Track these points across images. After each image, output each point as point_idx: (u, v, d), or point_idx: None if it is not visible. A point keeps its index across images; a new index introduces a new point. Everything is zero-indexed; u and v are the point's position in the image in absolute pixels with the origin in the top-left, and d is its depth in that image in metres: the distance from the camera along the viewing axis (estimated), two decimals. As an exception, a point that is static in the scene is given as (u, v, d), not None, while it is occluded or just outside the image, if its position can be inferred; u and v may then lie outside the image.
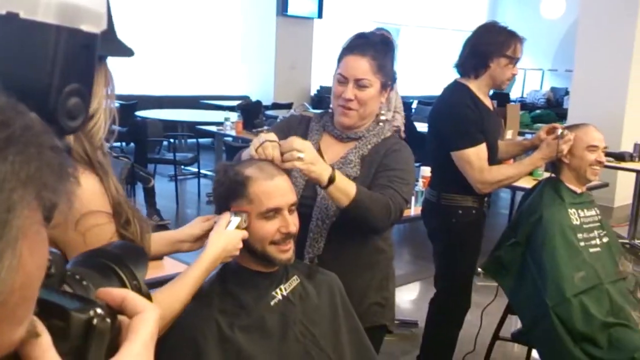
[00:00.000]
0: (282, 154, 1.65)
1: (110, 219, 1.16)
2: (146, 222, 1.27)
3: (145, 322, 0.65)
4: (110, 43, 1.18)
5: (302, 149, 1.66)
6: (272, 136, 1.70)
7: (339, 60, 1.98)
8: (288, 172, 1.68)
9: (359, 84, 1.91)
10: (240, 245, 1.53)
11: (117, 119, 1.22)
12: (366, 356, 1.72)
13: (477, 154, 2.66)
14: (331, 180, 1.72)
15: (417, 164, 2.55)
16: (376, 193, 1.85)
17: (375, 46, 1.94)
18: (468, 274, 2.96)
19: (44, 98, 0.79)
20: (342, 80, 1.94)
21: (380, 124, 2.03)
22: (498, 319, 2.93)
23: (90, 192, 1.13)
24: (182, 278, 1.38)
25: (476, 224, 2.84)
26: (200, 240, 1.59)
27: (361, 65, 1.91)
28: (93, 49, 0.85)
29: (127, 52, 1.17)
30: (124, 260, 0.76)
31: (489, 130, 2.75)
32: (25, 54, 0.80)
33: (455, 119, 2.70)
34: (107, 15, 1.17)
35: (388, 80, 1.97)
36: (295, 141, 1.68)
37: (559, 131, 2.58)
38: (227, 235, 1.51)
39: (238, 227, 1.54)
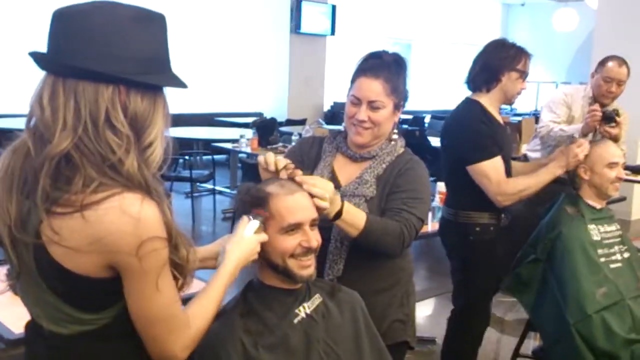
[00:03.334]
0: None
1: (165, 244, 1.19)
2: (191, 245, 1.30)
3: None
4: (167, 73, 1.22)
5: (323, 194, 1.66)
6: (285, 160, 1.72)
7: (353, 81, 1.98)
8: None
9: (372, 106, 1.92)
10: (258, 249, 1.53)
11: (171, 146, 1.25)
12: (390, 375, 1.72)
13: (493, 166, 2.64)
14: (338, 215, 1.75)
15: (433, 179, 2.55)
16: (390, 221, 1.86)
17: (389, 67, 1.94)
18: (486, 291, 2.93)
19: None
20: (355, 101, 1.95)
21: (392, 142, 2.03)
22: (518, 335, 2.90)
23: (151, 219, 1.16)
24: (207, 292, 1.39)
25: (494, 241, 2.79)
26: None
27: (374, 88, 1.92)
28: None
29: (180, 84, 1.22)
30: None
31: (502, 145, 2.75)
32: None
33: (469, 133, 2.69)
34: (164, 47, 1.22)
35: (401, 101, 1.98)
36: (319, 182, 1.69)
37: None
38: (244, 242, 1.51)
39: (257, 231, 1.54)
